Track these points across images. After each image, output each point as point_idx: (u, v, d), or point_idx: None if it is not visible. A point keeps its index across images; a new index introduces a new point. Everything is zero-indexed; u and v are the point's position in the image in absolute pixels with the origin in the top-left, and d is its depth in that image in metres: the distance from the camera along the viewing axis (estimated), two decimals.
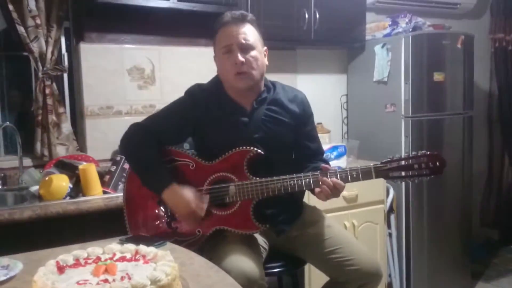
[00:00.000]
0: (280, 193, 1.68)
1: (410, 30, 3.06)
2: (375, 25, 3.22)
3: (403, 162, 1.63)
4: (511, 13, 3.93)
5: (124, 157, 1.77)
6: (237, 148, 1.69)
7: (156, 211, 1.75)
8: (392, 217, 3.04)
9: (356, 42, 3.20)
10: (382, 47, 3.08)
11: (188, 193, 1.66)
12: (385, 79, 3.08)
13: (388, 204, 2.97)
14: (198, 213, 1.66)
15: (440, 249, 3.18)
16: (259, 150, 1.68)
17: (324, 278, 1.86)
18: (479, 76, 3.85)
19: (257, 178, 1.68)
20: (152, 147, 1.71)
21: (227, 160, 1.71)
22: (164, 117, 1.78)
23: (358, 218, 2.78)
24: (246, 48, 1.72)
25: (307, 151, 1.88)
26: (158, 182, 1.67)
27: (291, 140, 1.83)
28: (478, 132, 3.90)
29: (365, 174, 1.65)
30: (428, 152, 1.64)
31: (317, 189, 1.69)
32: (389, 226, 3.01)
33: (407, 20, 3.08)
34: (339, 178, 1.66)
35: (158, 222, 1.75)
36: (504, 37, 3.96)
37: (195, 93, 1.79)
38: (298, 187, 1.68)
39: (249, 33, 1.73)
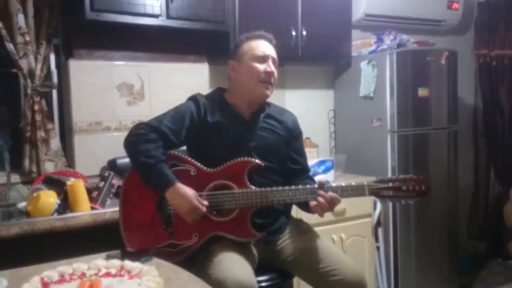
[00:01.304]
0: (278, 204, 1.77)
1: (395, 46, 3.12)
2: (361, 42, 3.28)
3: (393, 183, 1.75)
4: (495, 29, 4.00)
5: (127, 154, 1.78)
6: (239, 158, 1.76)
7: (153, 213, 1.77)
8: (380, 230, 3.06)
9: (342, 59, 3.25)
10: (368, 63, 3.14)
11: (190, 191, 1.71)
12: (371, 95, 3.13)
13: (375, 217, 2.99)
14: (200, 209, 1.70)
15: (428, 262, 3.21)
16: (260, 162, 1.76)
17: None
18: (464, 91, 3.92)
19: (257, 188, 1.74)
20: (157, 146, 1.73)
21: (229, 169, 1.77)
22: (170, 118, 1.81)
23: (346, 232, 2.80)
24: (274, 64, 1.87)
25: (296, 164, 1.98)
26: (162, 181, 1.70)
27: (284, 151, 1.93)
28: (464, 146, 3.96)
29: (359, 191, 1.75)
30: (415, 176, 1.75)
31: (313, 203, 1.74)
32: (376, 240, 3.03)
33: (392, 37, 3.14)
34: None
35: (154, 225, 1.77)
36: (488, 53, 4.03)
37: (198, 99, 1.87)
38: (296, 199, 1.75)
39: (276, 54, 1.91)
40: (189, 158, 1.81)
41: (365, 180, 1.77)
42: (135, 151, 1.75)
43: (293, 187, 1.75)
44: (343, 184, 1.76)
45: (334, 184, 1.78)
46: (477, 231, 4.23)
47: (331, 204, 1.73)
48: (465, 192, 4.14)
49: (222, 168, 1.77)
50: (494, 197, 4.15)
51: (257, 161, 1.76)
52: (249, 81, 1.85)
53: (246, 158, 1.76)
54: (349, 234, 2.81)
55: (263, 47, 1.87)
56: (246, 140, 1.84)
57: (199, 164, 1.79)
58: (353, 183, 1.76)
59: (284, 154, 1.94)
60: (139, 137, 1.74)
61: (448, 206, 3.31)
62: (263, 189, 1.74)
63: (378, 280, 3.06)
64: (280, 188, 1.75)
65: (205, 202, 1.72)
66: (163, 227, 1.76)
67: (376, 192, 1.75)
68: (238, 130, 1.85)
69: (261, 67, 1.84)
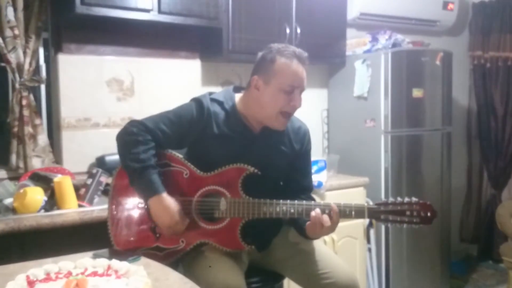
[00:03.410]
0: (271, 217, 1.68)
1: (390, 46, 3.10)
2: (356, 41, 3.26)
3: (396, 207, 1.65)
4: (489, 31, 4.01)
5: (117, 152, 1.72)
6: (235, 164, 1.68)
7: (142, 214, 1.72)
8: (372, 232, 3.04)
9: (336, 58, 3.22)
10: (362, 63, 3.11)
11: (174, 204, 1.64)
12: (365, 95, 3.11)
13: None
14: (180, 226, 1.65)
15: (420, 264, 3.20)
16: (256, 170, 1.68)
17: None
18: (458, 93, 3.92)
19: (250, 198, 1.68)
20: (147, 148, 1.65)
21: (223, 175, 1.70)
22: (168, 121, 1.72)
23: (337, 233, 2.76)
24: (302, 92, 1.73)
25: (296, 185, 1.88)
26: (147, 188, 1.64)
27: (285, 169, 1.84)
28: (457, 147, 3.95)
29: (358, 213, 1.67)
30: (421, 201, 1.65)
31: (308, 223, 1.68)
32: (368, 241, 3.02)
33: (387, 37, 3.12)
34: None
35: (142, 226, 1.72)
36: (483, 54, 4.03)
37: (204, 104, 1.74)
38: (290, 214, 1.68)
39: (305, 79, 1.74)
40: (184, 160, 1.74)
41: (365, 202, 1.69)
42: (124, 152, 1.69)
43: (288, 201, 1.68)
44: (342, 204, 1.66)
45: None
46: (469, 234, 4.23)
47: (325, 222, 1.62)
48: (458, 194, 4.14)
49: (216, 174, 1.70)
50: (487, 199, 4.15)
51: (253, 169, 1.68)
52: (270, 109, 1.70)
53: (242, 165, 1.68)
54: (340, 235, 2.79)
55: (294, 74, 1.68)
56: (249, 155, 1.72)
57: (193, 166, 1.72)
58: (353, 204, 1.67)
59: (287, 174, 1.85)
60: (130, 137, 1.67)
61: (440, 208, 3.29)
62: (256, 200, 1.67)
63: (369, 282, 3.04)
64: (274, 200, 1.68)
65: (187, 220, 1.67)
66: (151, 228, 1.71)
67: (377, 216, 1.66)
68: (243, 144, 1.74)
69: (287, 98, 1.68)
